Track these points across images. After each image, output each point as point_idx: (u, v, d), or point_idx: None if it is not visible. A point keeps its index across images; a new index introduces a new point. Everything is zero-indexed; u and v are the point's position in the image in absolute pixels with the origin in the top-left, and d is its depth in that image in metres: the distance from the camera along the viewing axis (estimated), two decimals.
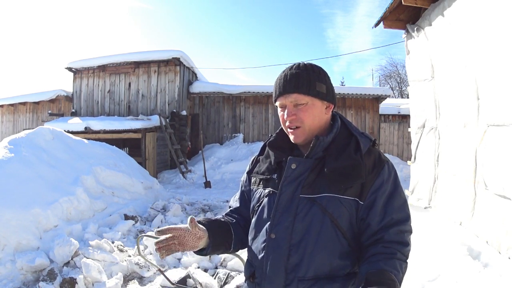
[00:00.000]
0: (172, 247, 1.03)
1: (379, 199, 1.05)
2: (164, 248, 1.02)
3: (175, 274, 3.45)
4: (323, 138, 1.09)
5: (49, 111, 12.97)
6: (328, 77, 1.14)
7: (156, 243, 1.02)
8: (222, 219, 1.25)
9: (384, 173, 1.07)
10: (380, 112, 12.47)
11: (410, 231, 1.07)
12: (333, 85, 1.17)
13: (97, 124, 10.01)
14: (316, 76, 1.10)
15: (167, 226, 1.07)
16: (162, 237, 1.03)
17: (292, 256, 1.05)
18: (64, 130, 7.04)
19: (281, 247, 1.06)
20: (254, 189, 1.22)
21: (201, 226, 1.12)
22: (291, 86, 1.08)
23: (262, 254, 1.10)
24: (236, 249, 1.24)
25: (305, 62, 1.14)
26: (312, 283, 1.03)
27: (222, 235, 1.18)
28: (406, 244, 1.04)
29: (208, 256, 3.85)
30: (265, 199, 1.14)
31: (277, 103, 1.13)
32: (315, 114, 1.09)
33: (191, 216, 1.10)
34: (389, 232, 1.03)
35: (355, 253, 1.07)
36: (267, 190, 1.15)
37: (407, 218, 1.07)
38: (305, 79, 1.08)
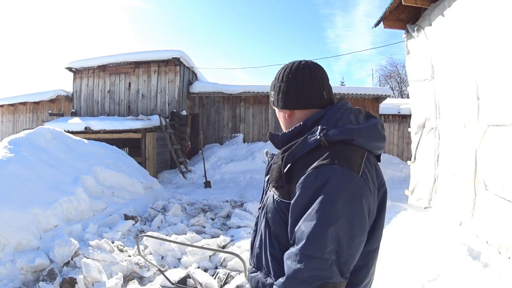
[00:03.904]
0: None
1: (294, 208, 0.92)
2: None
3: (175, 274, 3.46)
4: (275, 135, 1.06)
5: (49, 111, 12.97)
6: (284, 81, 1.04)
7: None
8: None
9: (306, 179, 0.89)
10: (380, 112, 12.47)
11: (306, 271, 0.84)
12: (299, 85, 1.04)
13: (97, 124, 10.01)
14: (273, 84, 1.12)
15: None
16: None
17: (252, 250, 1.11)
18: (64, 130, 7.04)
19: (255, 239, 1.11)
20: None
21: None
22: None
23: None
24: None
25: (289, 65, 1.10)
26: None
27: None
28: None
29: (208, 256, 3.85)
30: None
31: None
32: (280, 120, 1.14)
33: None
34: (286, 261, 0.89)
35: None
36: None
37: (310, 243, 0.84)
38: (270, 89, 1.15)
